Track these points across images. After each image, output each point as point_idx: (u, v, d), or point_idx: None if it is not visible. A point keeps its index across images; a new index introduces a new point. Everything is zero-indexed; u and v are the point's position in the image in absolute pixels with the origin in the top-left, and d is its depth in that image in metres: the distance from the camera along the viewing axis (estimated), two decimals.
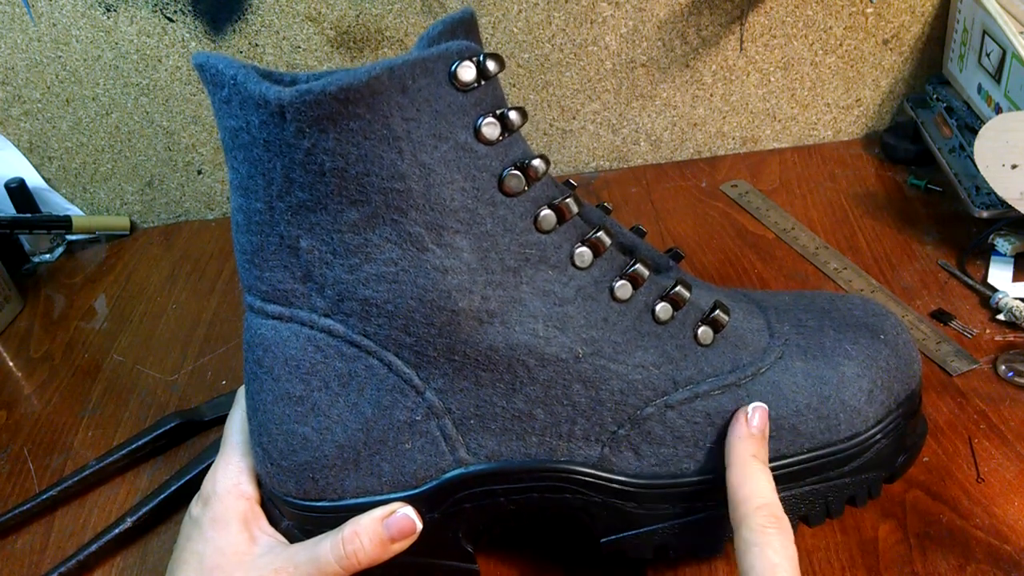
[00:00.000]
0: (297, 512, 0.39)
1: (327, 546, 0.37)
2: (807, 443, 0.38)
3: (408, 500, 0.38)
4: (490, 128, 0.34)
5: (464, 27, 0.36)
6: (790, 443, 0.38)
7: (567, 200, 0.36)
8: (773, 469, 0.37)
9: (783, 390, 0.38)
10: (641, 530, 0.39)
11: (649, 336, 0.37)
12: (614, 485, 0.38)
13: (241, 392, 0.43)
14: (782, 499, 0.35)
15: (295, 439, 0.37)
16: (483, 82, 0.33)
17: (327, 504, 0.38)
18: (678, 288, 0.38)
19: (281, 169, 0.33)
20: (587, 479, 0.38)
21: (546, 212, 0.35)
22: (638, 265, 0.37)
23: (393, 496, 0.38)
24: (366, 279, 0.34)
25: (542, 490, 0.38)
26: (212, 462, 0.49)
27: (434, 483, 0.37)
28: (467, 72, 0.33)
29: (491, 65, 0.33)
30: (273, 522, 0.40)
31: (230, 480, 0.40)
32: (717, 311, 0.38)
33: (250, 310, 0.37)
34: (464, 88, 0.33)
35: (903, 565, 0.40)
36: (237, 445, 0.41)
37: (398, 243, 0.34)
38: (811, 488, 0.39)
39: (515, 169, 0.34)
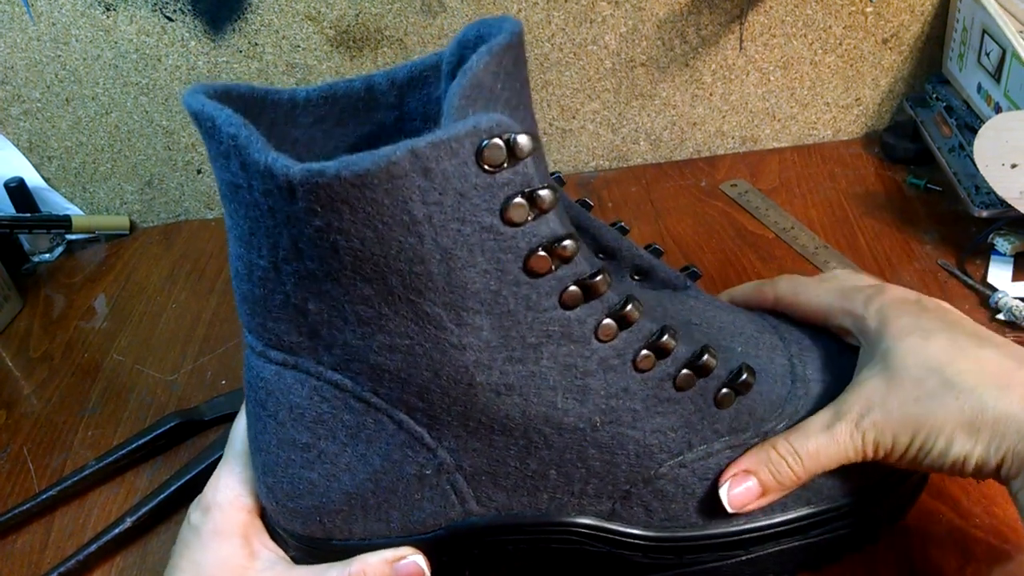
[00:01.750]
0: (302, 547, 0.38)
1: None
2: (814, 497, 0.38)
3: (417, 545, 0.37)
4: (517, 210, 0.31)
5: (511, 56, 0.32)
6: (796, 497, 0.38)
7: (597, 279, 0.34)
8: (778, 524, 0.38)
9: None
10: None
11: (669, 403, 0.36)
12: (623, 539, 0.38)
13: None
14: (781, 552, 0.37)
15: (301, 483, 0.36)
16: (513, 162, 0.31)
17: (335, 543, 0.37)
18: (705, 358, 0.36)
19: (289, 238, 0.31)
20: (596, 532, 0.38)
21: (573, 289, 0.33)
22: (665, 337, 0.35)
23: (402, 540, 0.37)
24: (378, 348, 0.33)
25: (549, 541, 0.38)
26: (212, 462, 0.49)
27: (443, 531, 0.37)
28: (496, 153, 0.30)
29: (523, 144, 0.30)
30: (275, 537, 0.39)
31: (232, 491, 0.39)
32: (744, 376, 0.37)
33: (251, 351, 0.35)
34: (492, 169, 0.30)
35: (903, 565, 0.40)
36: (240, 455, 0.40)
37: (414, 320, 0.32)
38: (809, 542, 0.39)
39: (542, 250, 0.32)
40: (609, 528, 0.38)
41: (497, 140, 0.30)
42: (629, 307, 0.35)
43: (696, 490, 0.37)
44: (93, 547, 0.47)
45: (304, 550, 0.38)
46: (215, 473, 0.40)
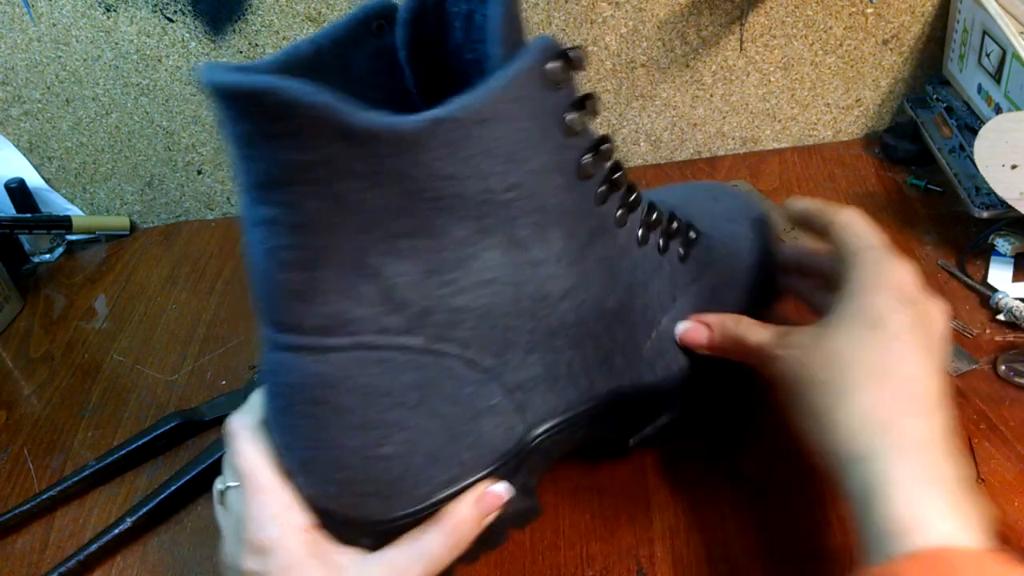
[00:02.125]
0: (381, 526, 0.37)
1: (434, 543, 0.36)
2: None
3: (489, 475, 0.38)
4: (574, 120, 0.34)
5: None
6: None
7: (619, 175, 0.38)
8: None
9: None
10: (657, 421, 0.44)
11: (658, 267, 0.41)
12: (647, 397, 0.43)
13: (246, 427, 0.39)
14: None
15: (379, 463, 0.36)
16: (568, 77, 0.33)
17: (413, 509, 0.37)
18: (675, 224, 0.42)
19: (377, 200, 0.31)
20: (631, 400, 0.42)
21: (603, 188, 0.37)
22: (655, 213, 0.41)
23: (476, 477, 0.38)
24: (460, 289, 0.34)
25: (591, 425, 0.42)
26: (211, 462, 0.49)
27: (510, 453, 0.39)
28: (557, 72, 0.33)
29: (577, 57, 0.33)
30: (342, 539, 0.37)
31: (281, 519, 0.36)
32: (691, 232, 0.43)
33: (289, 350, 0.34)
34: (556, 87, 0.33)
35: None
36: (272, 484, 0.37)
37: (503, 248, 0.34)
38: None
39: (590, 154, 0.35)
40: (639, 390, 0.42)
41: (555, 60, 0.32)
42: (634, 195, 0.39)
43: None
44: (93, 547, 0.47)
45: (381, 532, 0.37)
46: (247, 515, 0.36)
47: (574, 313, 0.37)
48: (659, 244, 0.41)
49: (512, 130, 0.32)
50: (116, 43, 0.70)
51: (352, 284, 0.33)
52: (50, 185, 0.77)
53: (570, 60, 0.33)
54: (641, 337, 0.42)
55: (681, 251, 0.43)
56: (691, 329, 0.43)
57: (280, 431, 0.37)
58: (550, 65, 0.32)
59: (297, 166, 0.30)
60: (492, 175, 0.32)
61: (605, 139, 0.36)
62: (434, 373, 0.35)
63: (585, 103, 0.35)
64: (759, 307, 0.46)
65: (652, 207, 0.41)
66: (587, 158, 0.35)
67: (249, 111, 0.30)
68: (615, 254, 0.39)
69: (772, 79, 0.73)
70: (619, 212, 0.39)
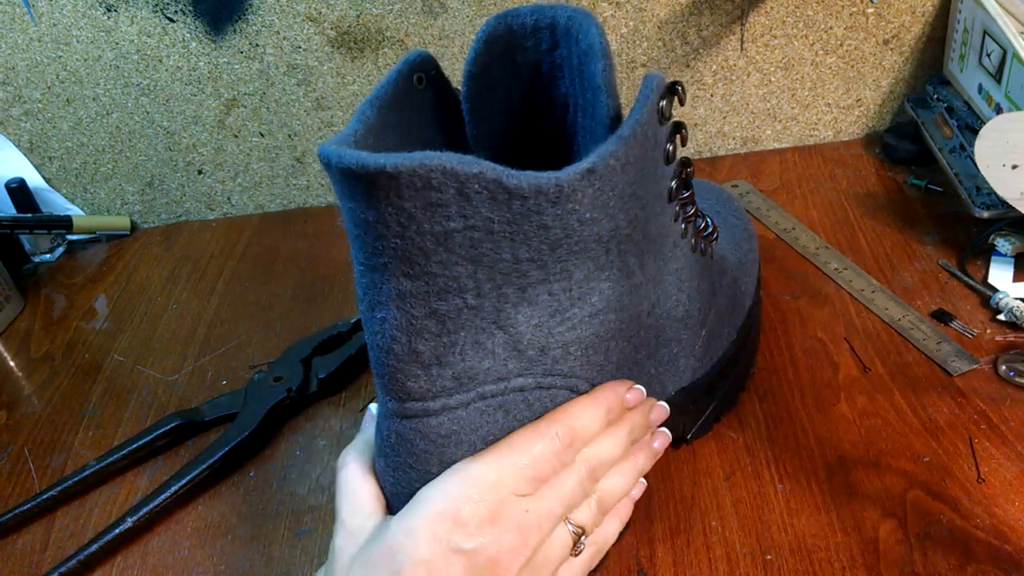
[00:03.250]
0: None
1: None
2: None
3: None
4: (671, 149, 0.36)
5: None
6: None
7: (689, 193, 0.40)
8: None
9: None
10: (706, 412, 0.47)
11: (701, 268, 0.43)
12: (701, 390, 0.45)
13: (359, 463, 0.39)
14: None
15: None
16: (674, 109, 0.35)
17: None
18: (710, 228, 0.44)
19: (516, 253, 0.32)
20: (690, 396, 0.45)
21: (679, 207, 0.39)
22: (703, 219, 0.43)
23: None
24: (574, 325, 0.35)
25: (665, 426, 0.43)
26: (211, 462, 0.49)
27: None
28: (667, 106, 0.35)
29: (683, 89, 0.36)
30: None
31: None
32: (711, 229, 0.45)
33: (414, 418, 0.34)
34: (665, 121, 0.35)
35: (903, 565, 0.40)
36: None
37: (615, 279, 0.35)
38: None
39: (677, 177, 0.38)
40: (696, 389, 0.45)
41: (667, 96, 0.35)
42: (691, 207, 0.41)
43: (726, 319, 0.47)
44: (93, 547, 0.47)
45: None
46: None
47: (655, 326, 0.40)
48: (701, 247, 0.43)
49: (637, 169, 0.33)
50: (116, 43, 0.70)
51: (487, 339, 0.33)
52: (51, 185, 0.77)
53: (677, 93, 0.35)
54: (696, 335, 0.44)
55: (704, 248, 0.45)
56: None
57: (398, 487, 0.36)
58: (663, 102, 0.34)
59: (441, 236, 0.31)
60: (620, 213, 0.33)
61: (688, 162, 0.39)
62: (541, 407, 0.36)
63: (681, 130, 0.36)
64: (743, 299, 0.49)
65: (701, 215, 0.43)
66: (675, 181, 0.38)
67: (395, 190, 0.29)
68: (681, 265, 0.41)
69: (773, 79, 0.73)
70: (684, 225, 0.40)
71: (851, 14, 0.69)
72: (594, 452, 0.38)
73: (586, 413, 0.37)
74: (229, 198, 0.79)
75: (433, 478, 0.35)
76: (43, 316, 0.69)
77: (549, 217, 0.31)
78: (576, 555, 0.37)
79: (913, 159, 0.70)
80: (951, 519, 0.42)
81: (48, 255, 0.76)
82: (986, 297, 0.55)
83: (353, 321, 0.59)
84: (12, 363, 0.64)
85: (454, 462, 0.35)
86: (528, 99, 0.40)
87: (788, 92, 0.73)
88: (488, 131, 0.40)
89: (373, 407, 0.39)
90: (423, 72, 0.37)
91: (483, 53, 0.38)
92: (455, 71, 0.71)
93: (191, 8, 0.68)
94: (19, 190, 0.73)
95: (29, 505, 0.50)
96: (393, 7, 0.68)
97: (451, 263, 0.31)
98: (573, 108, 0.39)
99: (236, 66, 0.71)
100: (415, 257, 0.31)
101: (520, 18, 0.37)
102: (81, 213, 0.78)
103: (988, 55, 0.62)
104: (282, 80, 0.72)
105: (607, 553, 0.41)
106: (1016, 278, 0.56)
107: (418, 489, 0.35)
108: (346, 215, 0.31)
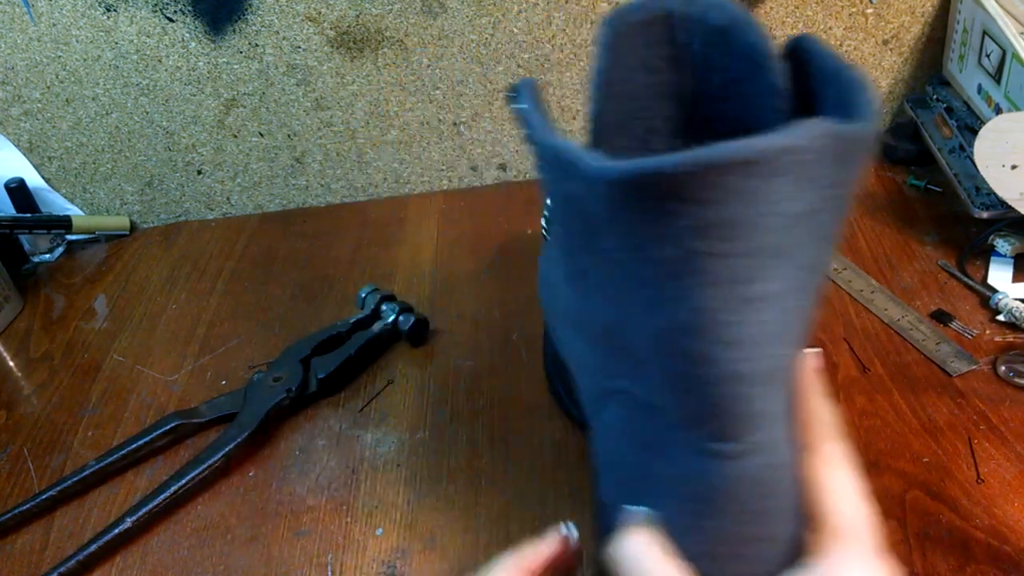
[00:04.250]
0: None
1: None
2: None
3: None
4: None
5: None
6: None
7: None
8: None
9: None
10: None
11: None
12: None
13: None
14: None
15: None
16: None
17: None
18: None
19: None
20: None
21: None
22: None
23: None
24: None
25: None
26: (211, 462, 0.49)
27: None
28: None
29: None
30: None
31: None
32: None
33: (728, 459, 0.31)
34: None
35: (903, 565, 0.40)
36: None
37: (782, 278, 0.31)
38: None
39: None
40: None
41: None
42: None
43: None
44: (93, 547, 0.47)
45: None
46: None
47: None
48: None
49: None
50: (116, 43, 0.70)
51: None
52: (50, 185, 0.77)
53: None
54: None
55: None
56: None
57: (699, 536, 0.32)
58: None
59: (677, 257, 0.27)
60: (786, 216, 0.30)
61: None
62: None
63: None
64: None
65: None
66: None
67: (646, 208, 0.27)
68: None
69: None
70: None
71: (850, 14, 0.69)
72: None
73: None
74: (228, 198, 0.79)
75: (739, 521, 0.31)
76: (42, 316, 0.69)
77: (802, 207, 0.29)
78: None
79: (912, 159, 0.70)
80: (950, 519, 0.42)
81: (47, 255, 0.76)
82: (985, 298, 0.55)
83: (352, 321, 0.59)
84: (12, 363, 0.64)
85: (762, 501, 0.30)
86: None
87: None
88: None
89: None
90: None
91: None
92: (455, 71, 0.71)
93: (190, 8, 0.68)
94: (18, 190, 0.73)
95: (28, 505, 0.50)
96: (393, 7, 0.69)
97: (684, 290, 0.28)
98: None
99: (235, 66, 0.71)
100: (640, 281, 0.29)
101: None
102: (80, 213, 0.78)
103: (987, 55, 0.62)
104: (281, 80, 0.72)
105: None
106: (1015, 279, 0.56)
107: (729, 537, 0.31)
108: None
